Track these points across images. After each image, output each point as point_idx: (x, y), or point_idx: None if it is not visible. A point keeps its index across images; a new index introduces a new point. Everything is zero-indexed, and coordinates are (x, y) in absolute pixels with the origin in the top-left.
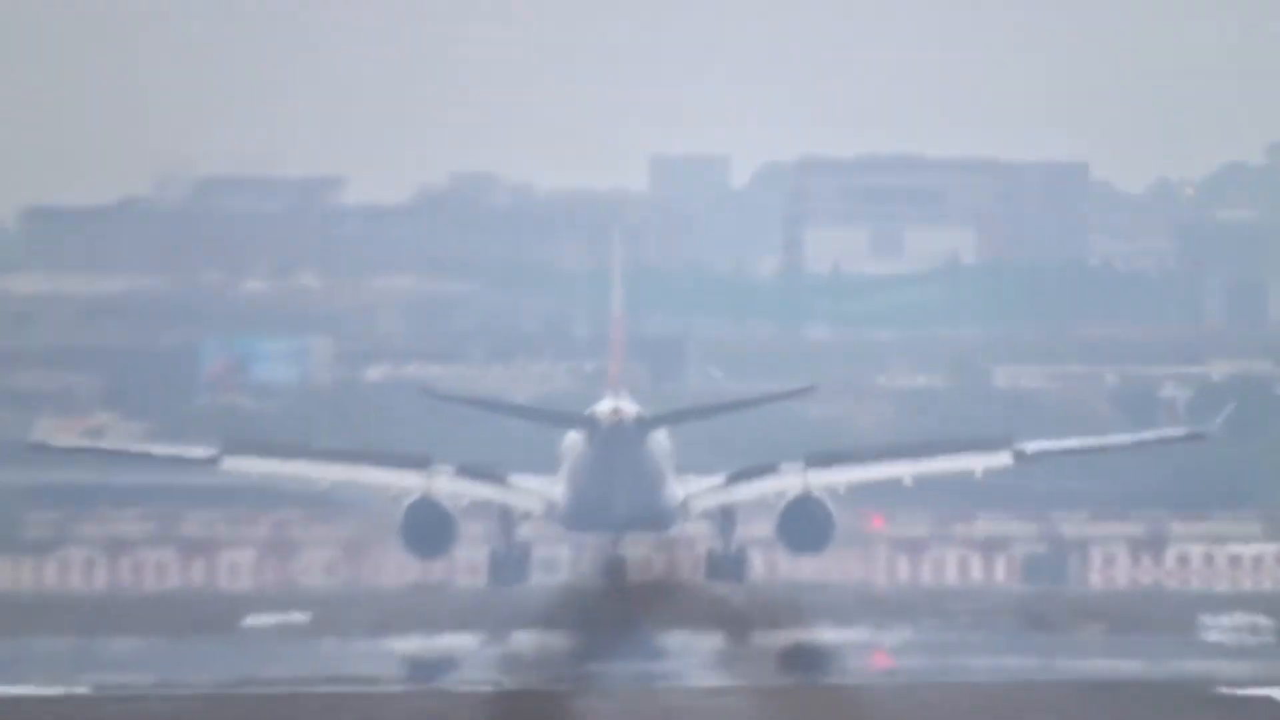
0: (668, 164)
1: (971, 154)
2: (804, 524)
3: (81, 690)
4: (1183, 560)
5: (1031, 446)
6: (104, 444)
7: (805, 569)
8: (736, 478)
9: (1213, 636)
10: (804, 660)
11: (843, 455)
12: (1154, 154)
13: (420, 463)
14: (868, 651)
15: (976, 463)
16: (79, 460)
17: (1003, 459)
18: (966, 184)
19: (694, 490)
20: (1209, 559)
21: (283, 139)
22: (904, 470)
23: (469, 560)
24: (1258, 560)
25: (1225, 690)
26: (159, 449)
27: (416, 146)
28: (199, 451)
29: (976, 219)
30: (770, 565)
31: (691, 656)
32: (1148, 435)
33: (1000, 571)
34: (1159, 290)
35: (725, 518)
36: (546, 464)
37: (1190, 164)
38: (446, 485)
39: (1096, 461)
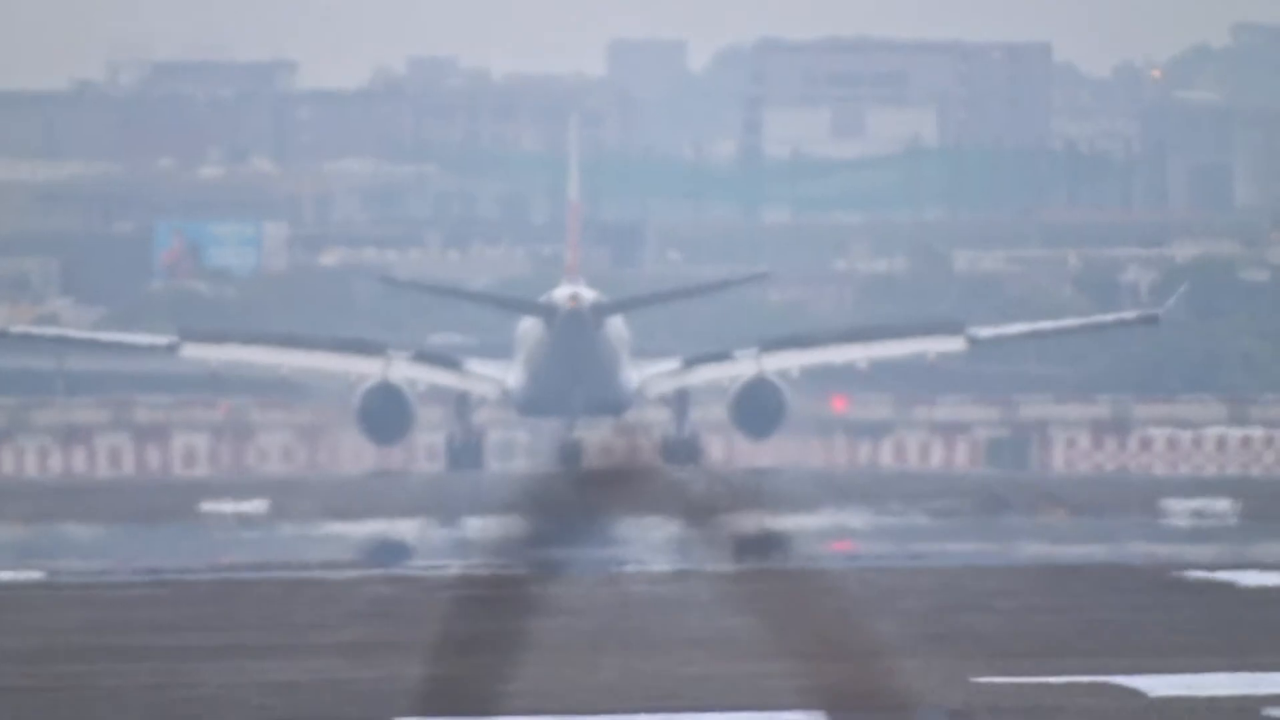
0: (626, 48)
1: (933, 35)
2: (756, 407)
3: (37, 576)
4: (1146, 444)
5: (984, 331)
6: (63, 332)
7: (764, 453)
8: (691, 362)
9: (1175, 520)
10: (764, 544)
11: (796, 340)
12: (1118, 35)
13: (377, 349)
14: (828, 535)
15: (930, 346)
16: (37, 347)
17: (956, 343)
18: (928, 66)
19: (649, 375)
20: (1172, 442)
21: (236, 22)
22: (857, 354)
23: (427, 446)
24: (1221, 443)
25: (1187, 574)
26: (118, 337)
27: (372, 30)
28: (158, 339)
29: (938, 101)
30: (730, 450)
31: (650, 541)
32: (1098, 319)
33: (961, 455)
34: (1123, 173)
35: (680, 402)
36: (502, 350)
37: (1155, 46)
38: (403, 371)
39: (1059, 345)
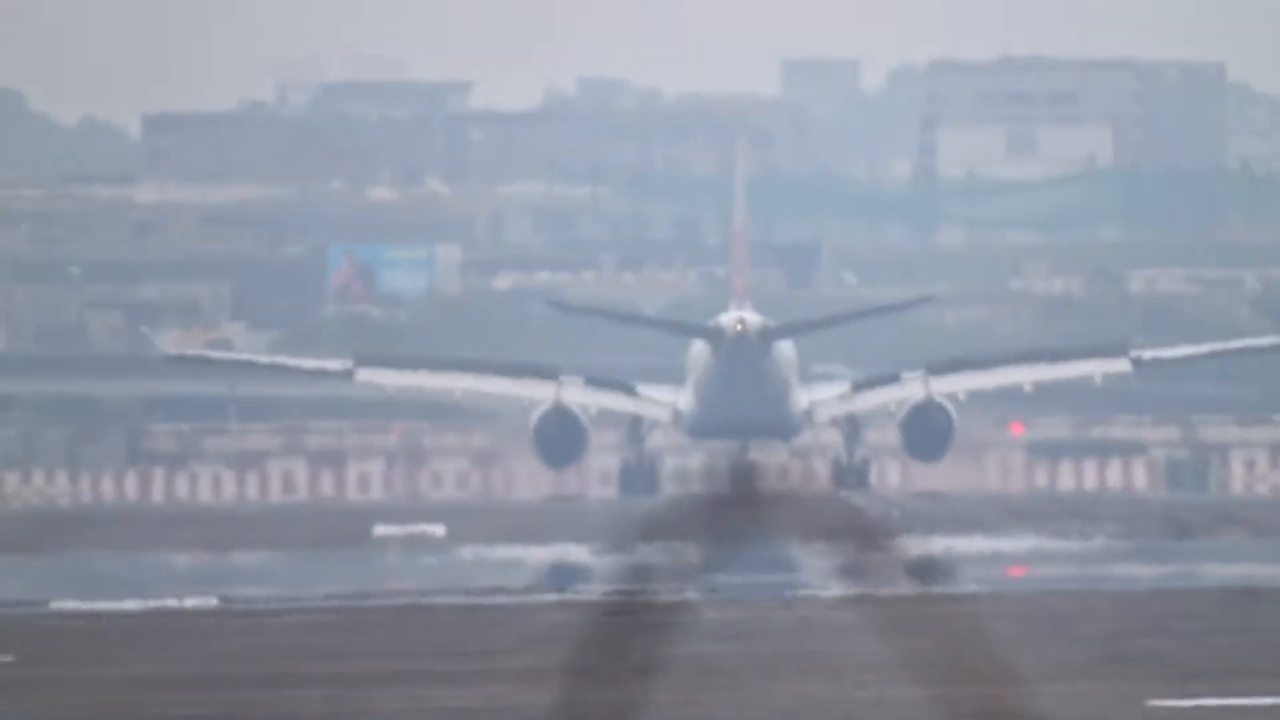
0: (798, 67)
1: (1107, 54)
2: (926, 430)
3: (210, 603)
4: None
5: (1149, 353)
6: (241, 355)
7: (939, 476)
8: (860, 386)
9: None
10: (935, 569)
11: (963, 362)
12: None
13: (550, 373)
14: (1001, 560)
15: (1094, 369)
16: (212, 372)
17: (1120, 365)
18: (1102, 84)
19: (818, 398)
20: None
21: (408, 43)
22: (1023, 377)
23: (601, 470)
24: None
25: None
26: (295, 361)
27: (544, 51)
28: (334, 364)
29: (1113, 120)
30: (905, 473)
31: (821, 566)
32: (1260, 341)
33: (1140, 477)
34: None
35: (850, 426)
36: (675, 373)
37: None
38: (576, 395)
39: (1239, 365)
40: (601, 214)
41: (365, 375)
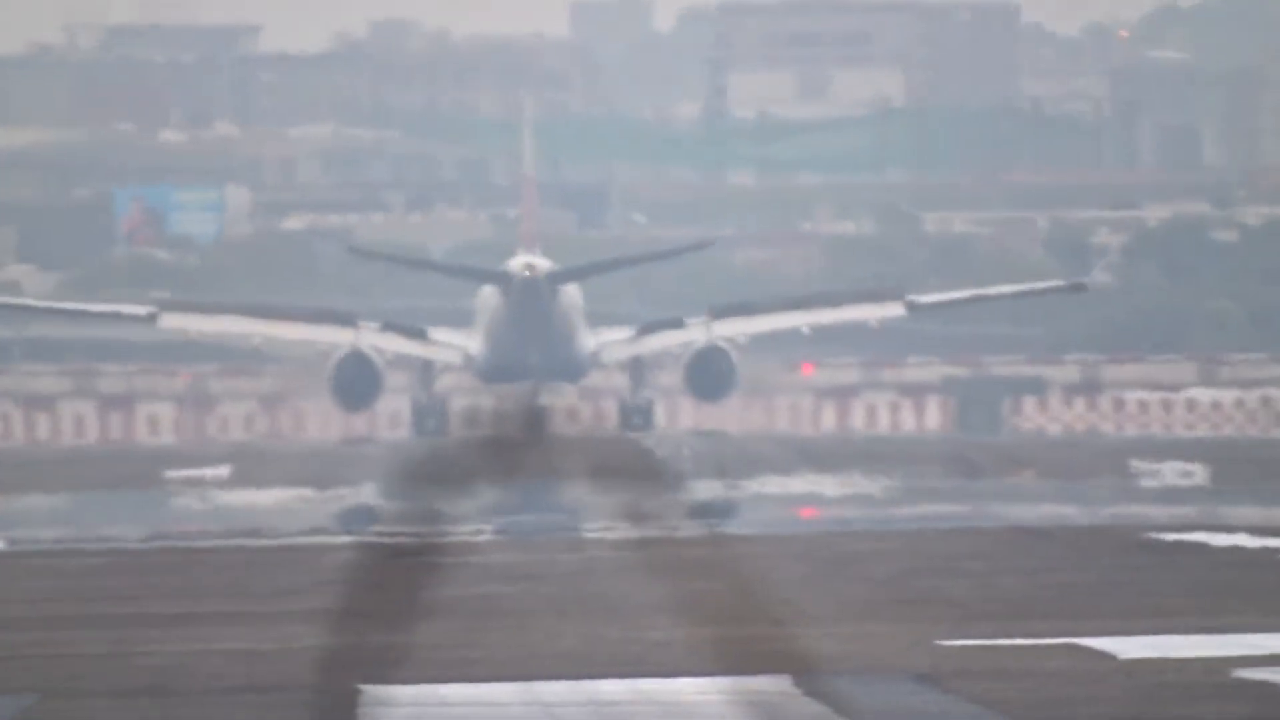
0: (588, 8)
1: None
2: (708, 373)
3: None
4: (1117, 405)
5: (924, 298)
6: (39, 302)
7: (730, 419)
8: (645, 330)
9: (1147, 482)
10: (724, 509)
11: (743, 307)
12: None
13: (348, 319)
14: (791, 501)
15: (870, 313)
16: (16, 317)
17: (896, 309)
18: (894, 25)
19: (605, 342)
20: (1143, 403)
21: None
22: (801, 321)
23: (391, 413)
24: (1192, 404)
25: (1159, 536)
26: (96, 307)
27: None
28: (136, 309)
29: (904, 61)
30: (696, 414)
31: (608, 507)
32: (1030, 286)
33: (932, 418)
34: (1092, 134)
35: (635, 369)
36: (464, 315)
37: (1123, 5)
38: (372, 340)
39: (1030, 307)
40: (390, 156)
41: (168, 321)
